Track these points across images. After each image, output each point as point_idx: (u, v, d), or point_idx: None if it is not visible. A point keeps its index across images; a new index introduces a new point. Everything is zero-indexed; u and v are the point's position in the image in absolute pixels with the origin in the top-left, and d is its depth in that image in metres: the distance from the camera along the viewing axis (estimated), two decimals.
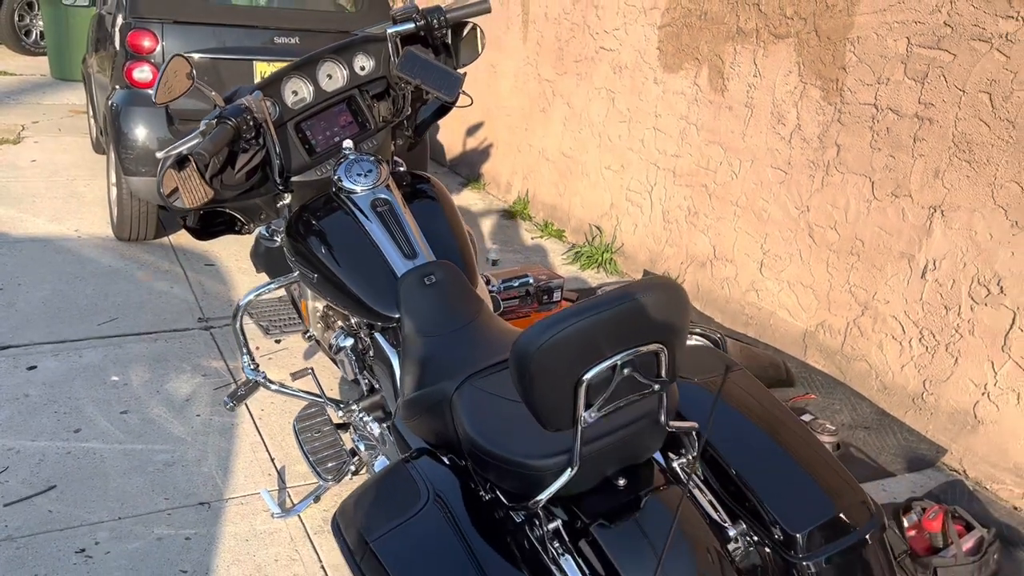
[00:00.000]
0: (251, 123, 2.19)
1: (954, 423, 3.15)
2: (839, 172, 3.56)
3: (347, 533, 1.57)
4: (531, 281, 3.51)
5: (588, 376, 1.33)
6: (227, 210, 2.54)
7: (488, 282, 3.40)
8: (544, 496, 1.45)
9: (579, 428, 1.37)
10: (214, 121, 2.14)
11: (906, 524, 2.61)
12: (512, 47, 6.07)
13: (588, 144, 5.27)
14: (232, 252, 4.76)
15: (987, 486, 3.04)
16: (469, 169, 6.85)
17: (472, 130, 6.79)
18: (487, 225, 5.75)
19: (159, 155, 2.17)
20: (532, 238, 5.55)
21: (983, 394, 3.04)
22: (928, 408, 3.25)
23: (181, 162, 2.16)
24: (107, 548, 2.44)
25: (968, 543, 2.51)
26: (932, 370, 3.23)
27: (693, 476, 1.63)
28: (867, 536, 1.55)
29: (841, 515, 1.55)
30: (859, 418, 3.39)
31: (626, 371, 1.36)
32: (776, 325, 3.96)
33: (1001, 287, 2.96)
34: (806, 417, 3.24)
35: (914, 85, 3.21)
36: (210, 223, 2.56)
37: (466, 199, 6.32)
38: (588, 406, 1.36)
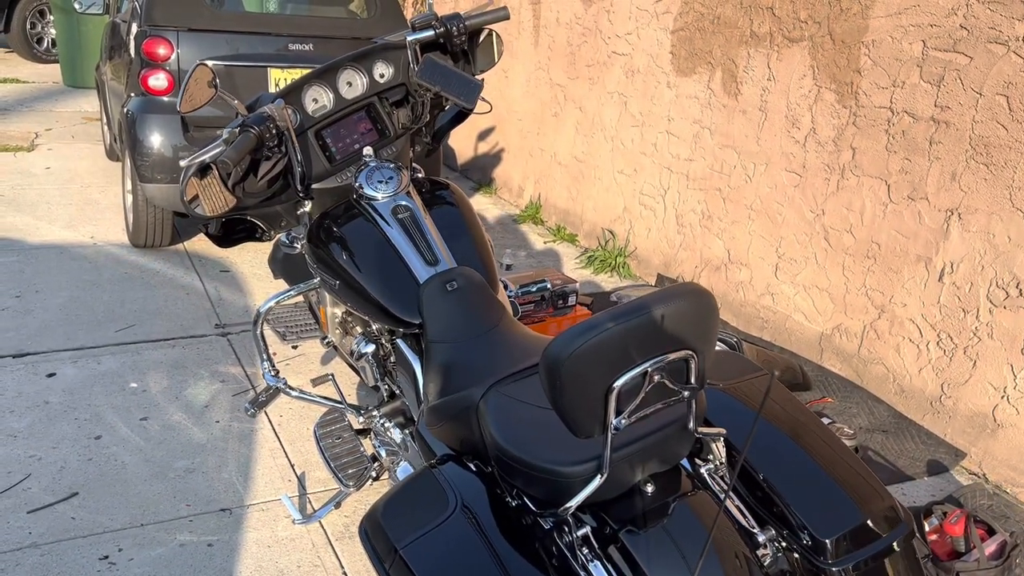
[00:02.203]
0: (273, 131, 2.20)
1: (973, 426, 3.15)
2: (854, 175, 3.56)
3: (375, 540, 1.58)
4: (548, 286, 3.52)
5: (619, 383, 1.33)
6: (248, 217, 2.56)
7: (506, 287, 3.41)
8: (574, 503, 1.46)
9: (609, 435, 1.37)
10: (237, 129, 2.15)
11: (927, 528, 2.60)
12: (523, 52, 6.08)
13: (600, 148, 5.28)
14: (247, 258, 4.78)
15: (1007, 490, 3.03)
16: (481, 174, 6.87)
17: (484, 135, 6.80)
18: (499, 230, 5.76)
19: (183, 163, 2.19)
20: (544, 243, 5.56)
21: (1002, 397, 3.03)
22: (946, 411, 3.24)
23: (203, 170, 2.17)
24: (130, 555, 2.45)
25: (991, 547, 2.50)
26: (950, 373, 3.22)
27: (723, 485, 1.62)
28: (896, 542, 1.55)
29: (870, 521, 1.55)
30: (876, 422, 3.39)
31: (657, 378, 1.37)
32: (792, 328, 3.96)
33: (1020, 290, 2.95)
34: (823, 421, 3.23)
35: (930, 88, 3.21)
36: (231, 231, 2.57)
37: (478, 204, 6.33)
38: (618, 413, 1.36)
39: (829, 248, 3.71)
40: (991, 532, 2.56)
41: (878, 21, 3.39)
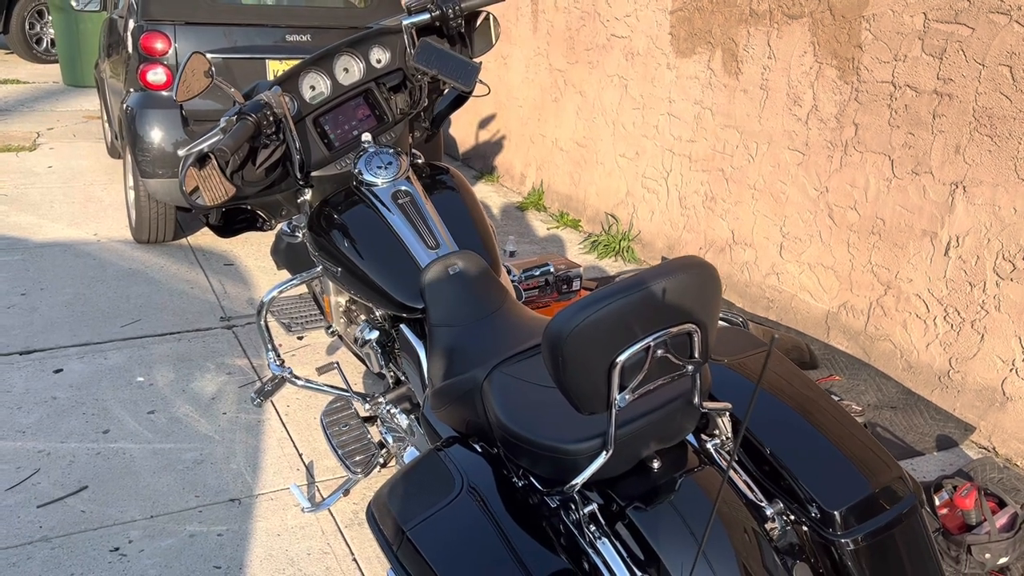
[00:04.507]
0: (271, 119, 2.19)
1: (982, 400, 3.13)
2: (857, 151, 3.53)
3: (383, 523, 1.57)
4: (552, 270, 3.51)
5: (622, 358, 1.32)
6: (248, 207, 2.55)
7: (509, 272, 3.40)
8: (580, 480, 1.45)
9: (613, 411, 1.36)
10: (234, 117, 2.15)
11: (937, 502, 2.59)
12: (522, 38, 6.06)
13: (602, 132, 5.26)
14: (251, 251, 4.78)
15: (1017, 462, 3.02)
16: (482, 162, 6.85)
17: (484, 122, 6.78)
18: (502, 217, 5.75)
19: (180, 153, 2.18)
20: (548, 229, 5.55)
21: (1011, 370, 3.02)
22: (955, 386, 3.23)
23: (202, 160, 2.17)
24: (141, 546, 2.46)
25: (1001, 520, 2.49)
26: (958, 348, 3.20)
27: (725, 453, 1.62)
28: (904, 512, 1.54)
29: (878, 492, 1.54)
30: (885, 398, 3.38)
31: (659, 352, 1.36)
32: (798, 307, 3.94)
33: None
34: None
35: (932, 61, 3.18)
36: (232, 220, 2.57)
37: (480, 192, 6.31)
38: (622, 388, 1.35)
39: (833, 225, 3.69)
40: (1002, 504, 2.55)
41: None
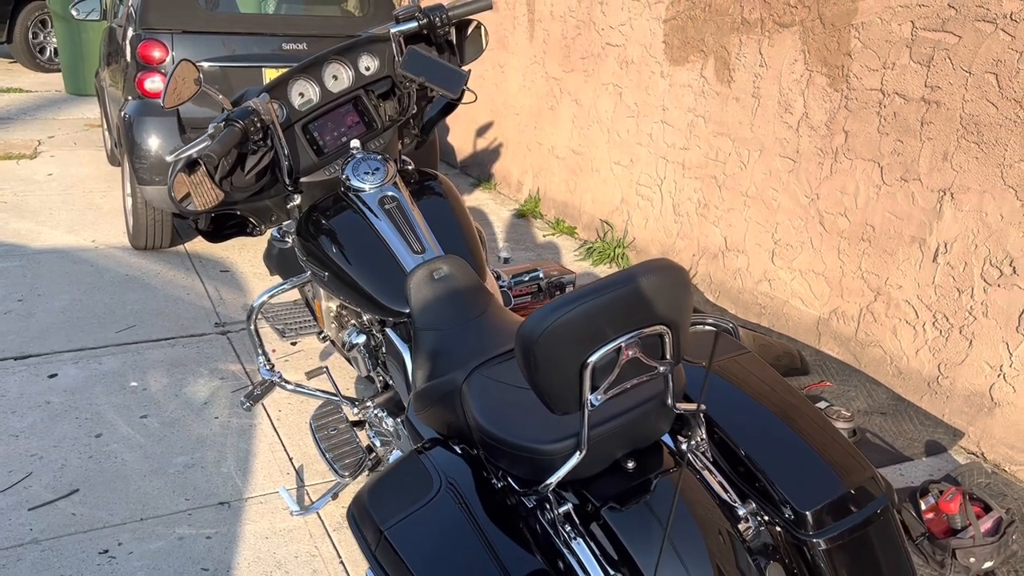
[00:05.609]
0: (259, 125, 2.22)
1: (970, 406, 3.14)
2: (847, 158, 3.55)
3: (362, 524, 1.59)
4: (541, 275, 3.53)
5: (593, 359, 1.34)
6: (238, 212, 2.58)
7: (499, 277, 3.42)
8: (553, 480, 1.47)
9: (586, 411, 1.38)
10: (222, 124, 2.18)
11: (923, 507, 2.60)
12: (519, 46, 6.09)
13: (597, 140, 5.29)
14: (247, 257, 4.80)
15: (1006, 468, 3.03)
16: (480, 169, 6.88)
17: (482, 130, 6.82)
18: (499, 224, 5.77)
19: (169, 159, 2.21)
20: (544, 236, 5.57)
21: (999, 376, 3.03)
22: (944, 392, 3.24)
23: (191, 166, 2.19)
24: (130, 549, 2.47)
25: (986, 524, 2.50)
26: (947, 353, 3.22)
27: (699, 454, 1.63)
28: (877, 512, 1.56)
29: (850, 492, 1.56)
30: (875, 404, 3.39)
31: (631, 353, 1.38)
32: (789, 314, 3.96)
33: (1014, 267, 2.95)
34: (821, 404, 3.23)
35: (920, 69, 3.20)
36: (222, 225, 2.59)
37: (477, 199, 6.34)
38: (594, 389, 1.37)
39: (824, 232, 3.71)
40: (987, 509, 2.56)
41: (867, 3, 3.39)
